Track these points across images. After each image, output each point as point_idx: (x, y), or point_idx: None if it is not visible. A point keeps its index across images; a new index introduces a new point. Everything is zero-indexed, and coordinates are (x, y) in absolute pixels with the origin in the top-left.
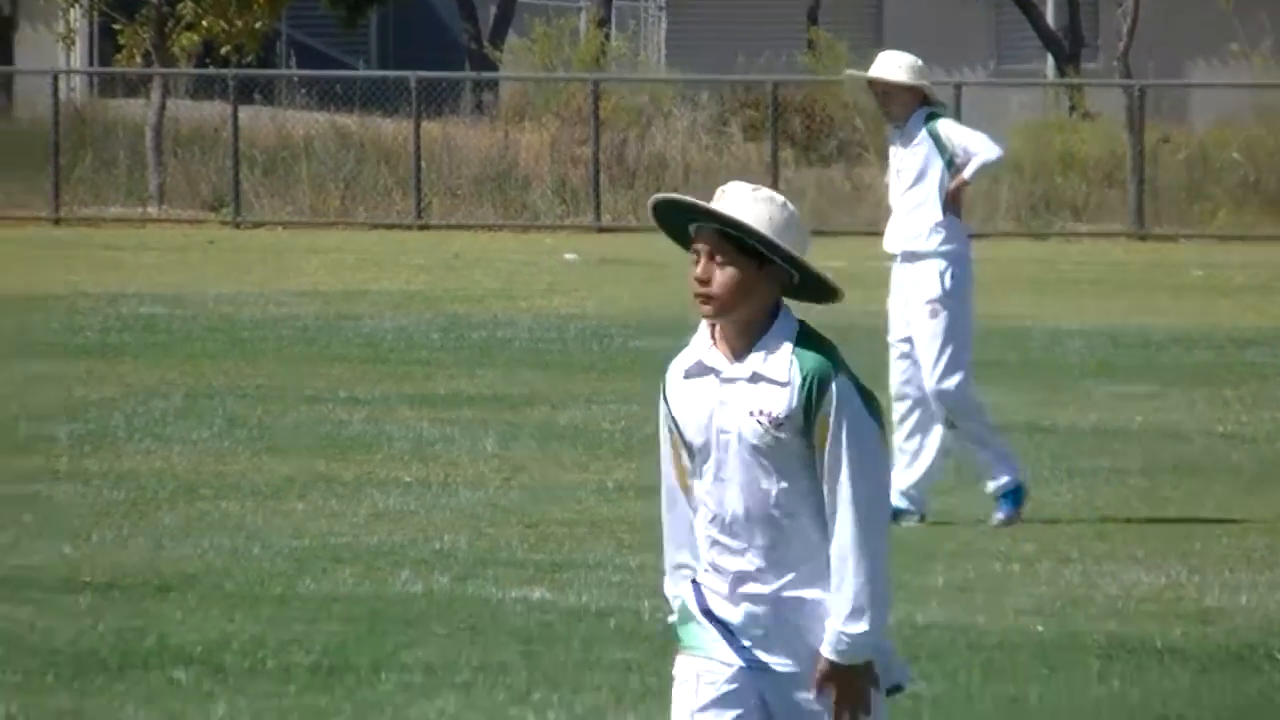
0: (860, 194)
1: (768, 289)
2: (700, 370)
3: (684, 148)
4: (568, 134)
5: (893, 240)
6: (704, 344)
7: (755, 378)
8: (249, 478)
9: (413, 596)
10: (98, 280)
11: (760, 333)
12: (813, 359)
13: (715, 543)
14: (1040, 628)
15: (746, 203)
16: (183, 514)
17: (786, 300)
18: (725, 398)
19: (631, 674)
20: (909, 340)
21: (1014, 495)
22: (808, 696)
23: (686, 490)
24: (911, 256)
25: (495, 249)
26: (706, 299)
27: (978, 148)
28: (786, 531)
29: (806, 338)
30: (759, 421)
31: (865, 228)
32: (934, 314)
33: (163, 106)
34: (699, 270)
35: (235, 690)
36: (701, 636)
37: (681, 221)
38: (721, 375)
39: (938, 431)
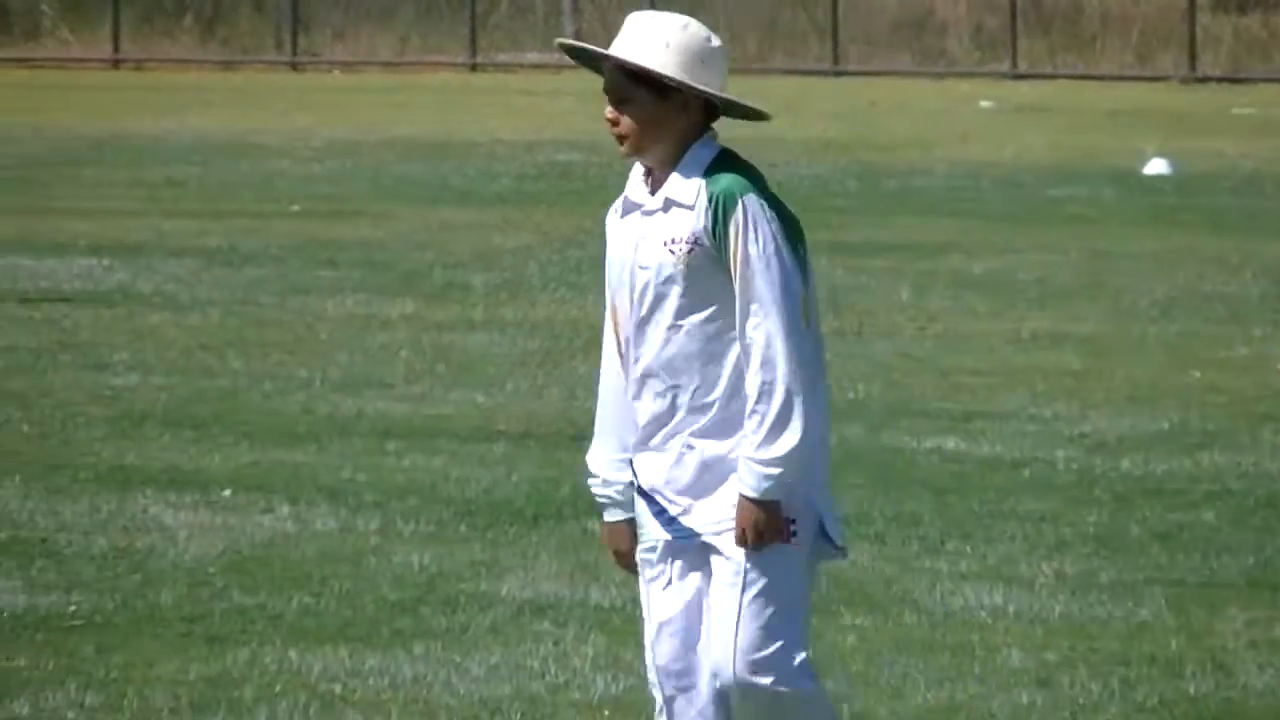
0: (1276, 41)
1: (680, 120)
2: (628, 207)
3: None
4: None
5: None
6: (637, 179)
7: (667, 205)
8: None
9: None
10: (514, 127)
11: (678, 162)
12: (723, 180)
13: (640, 395)
14: None
15: (642, 36)
16: (596, 363)
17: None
18: (645, 232)
19: (1045, 524)
20: None
21: None
22: (730, 562)
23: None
24: None
25: (910, 96)
26: (620, 139)
27: None
28: (713, 378)
29: (723, 161)
30: (670, 250)
31: None
32: None
33: None
34: (608, 111)
35: None
36: (642, 516)
37: (595, 63)
38: (643, 209)
39: None
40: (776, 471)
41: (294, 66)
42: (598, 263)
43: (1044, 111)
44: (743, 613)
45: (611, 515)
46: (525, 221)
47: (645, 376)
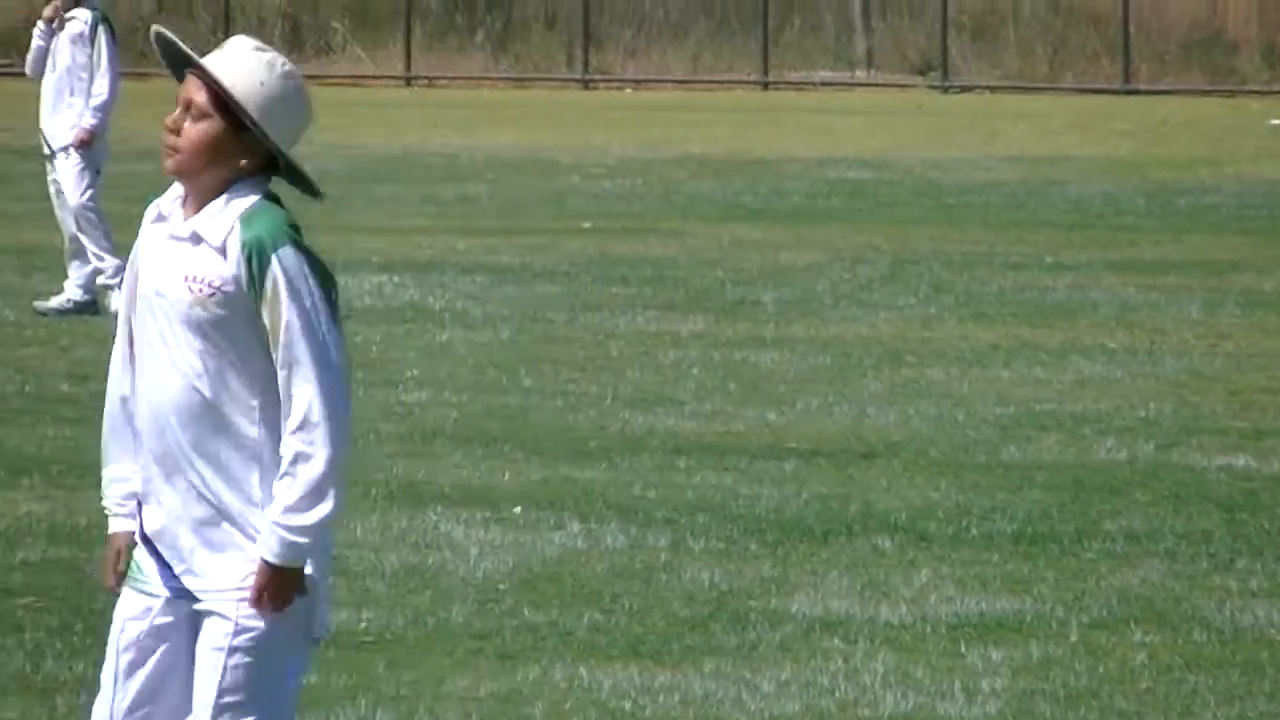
0: None
1: (241, 159)
2: (158, 217)
3: None
4: None
5: None
6: (176, 192)
7: (195, 239)
8: (954, 344)
9: (1116, 464)
10: (805, 144)
11: (216, 197)
12: (257, 227)
13: (143, 434)
14: None
15: (240, 61)
16: (887, 380)
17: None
18: (168, 256)
19: None
20: None
21: None
22: (221, 628)
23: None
24: None
25: (1201, 114)
26: (172, 150)
27: None
28: (223, 425)
29: (261, 209)
30: (189, 287)
31: None
32: None
33: None
34: (171, 117)
35: (938, 558)
36: (139, 563)
37: (179, 62)
38: (170, 230)
39: None
40: (304, 541)
41: (585, 84)
42: (888, 279)
43: None
44: (226, 676)
45: (115, 526)
46: (816, 239)
47: (151, 415)
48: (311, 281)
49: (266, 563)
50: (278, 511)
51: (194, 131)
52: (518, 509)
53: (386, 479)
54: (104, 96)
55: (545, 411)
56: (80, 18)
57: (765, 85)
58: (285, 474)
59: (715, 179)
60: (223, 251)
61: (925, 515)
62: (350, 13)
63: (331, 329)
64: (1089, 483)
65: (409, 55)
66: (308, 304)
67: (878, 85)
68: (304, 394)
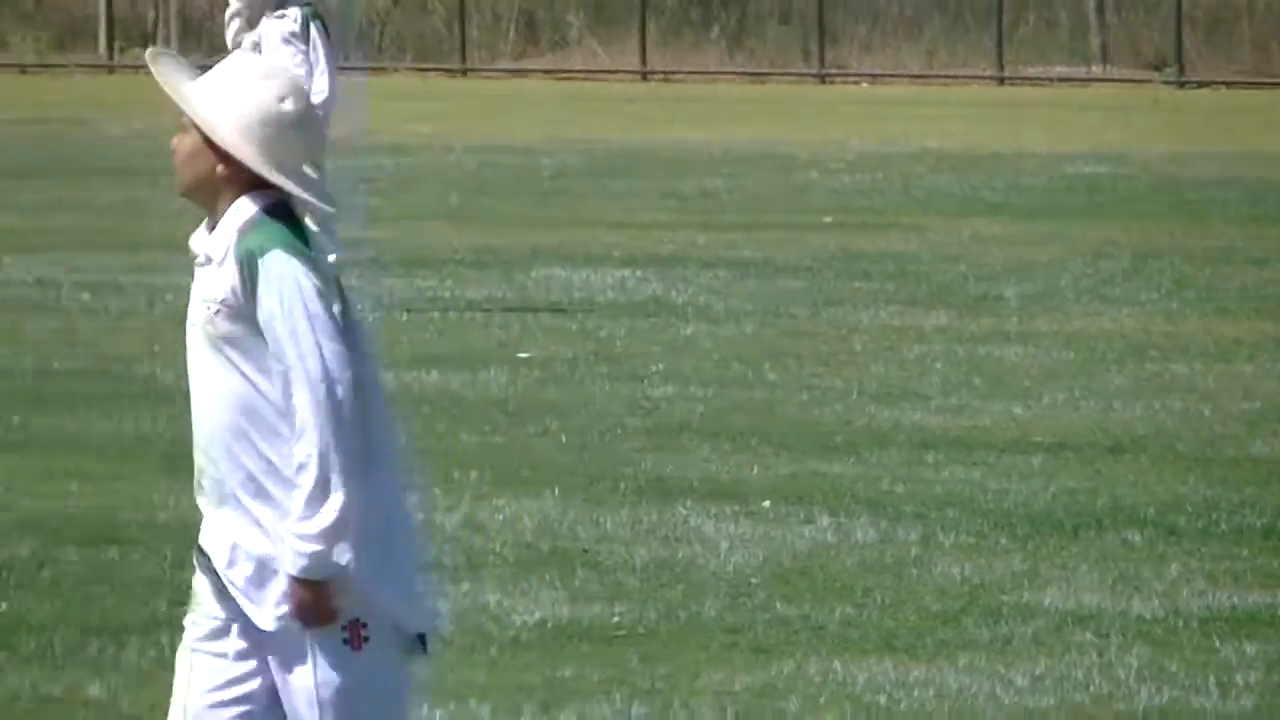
0: None
1: (226, 173)
2: (193, 245)
3: None
4: None
5: None
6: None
7: (207, 259)
8: (1198, 339)
9: None
10: (1042, 139)
11: (224, 214)
12: (252, 237)
13: (199, 463)
14: None
15: (231, 85)
16: (1132, 375)
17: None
18: (196, 281)
19: None
20: None
21: None
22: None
23: None
24: None
25: None
26: (178, 170)
27: None
28: (256, 449)
29: (259, 221)
30: (205, 307)
31: None
32: None
33: None
34: (175, 139)
35: (1188, 552)
36: (196, 588)
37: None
38: (195, 258)
39: None
40: (318, 549)
41: (822, 79)
42: (1130, 275)
43: None
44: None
45: None
46: (1056, 234)
47: (202, 443)
48: (303, 288)
49: (290, 578)
50: (289, 524)
51: (181, 147)
52: (766, 503)
53: (635, 473)
54: (324, 95)
55: (790, 406)
56: (290, 15)
57: (1000, 80)
58: (293, 486)
59: (953, 173)
60: (224, 266)
61: (1174, 509)
62: (585, 7)
63: (328, 337)
64: None
65: (644, 50)
66: (298, 310)
67: (1113, 80)
68: (300, 402)
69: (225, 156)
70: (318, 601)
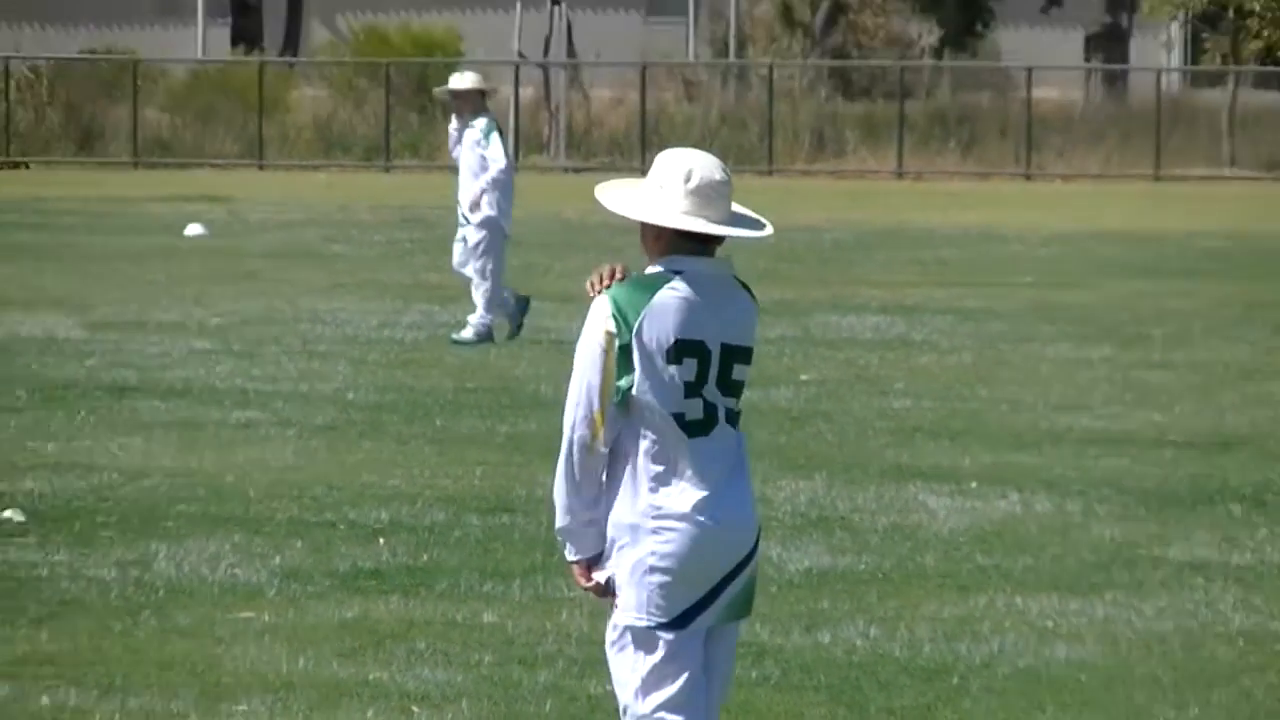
0: None
1: (651, 242)
2: None
3: None
4: None
5: None
6: None
7: None
8: None
9: None
10: (1182, 222)
11: None
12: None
13: None
14: None
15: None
16: (1239, 393)
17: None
18: None
19: None
20: None
21: None
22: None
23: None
24: None
25: None
26: None
27: None
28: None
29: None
30: None
31: None
32: None
33: (1235, 93)
34: None
35: (1273, 520)
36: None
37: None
38: None
39: None
40: (556, 528)
41: (1028, 177)
42: (1241, 320)
43: None
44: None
45: None
46: (1190, 290)
47: None
48: (594, 321)
49: None
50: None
51: None
52: (974, 484)
53: (880, 462)
54: (496, 177)
55: (994, 414)
56: (478, 126)
57: (1156, 178)
58: None
59: (1119, 246)
60: None
61: (1265, 489)
62: (859, 125)
63: (575, 370)
64: None
65: (900, 156)
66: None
67: (1240, 179)
68: None
69: (646, 232)
70: (578, 576)
